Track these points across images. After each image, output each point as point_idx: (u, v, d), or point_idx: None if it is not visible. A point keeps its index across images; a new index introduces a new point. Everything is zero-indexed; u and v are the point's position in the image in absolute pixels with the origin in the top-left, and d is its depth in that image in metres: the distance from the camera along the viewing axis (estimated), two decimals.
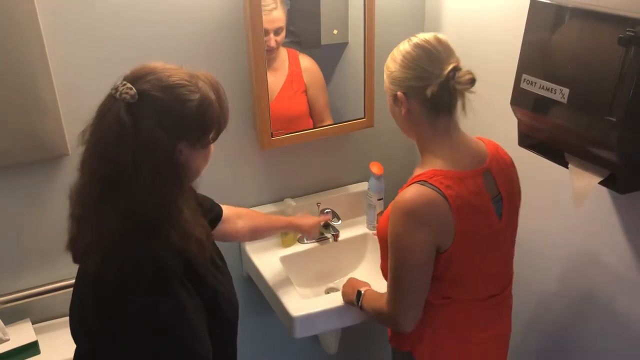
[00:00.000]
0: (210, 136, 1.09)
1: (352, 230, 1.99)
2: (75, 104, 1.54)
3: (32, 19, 1.41)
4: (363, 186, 2.04)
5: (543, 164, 1.44)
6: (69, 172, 1.59)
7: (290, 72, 1.85)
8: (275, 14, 1.74)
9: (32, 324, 1.64)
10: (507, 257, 1.39)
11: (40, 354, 1.57)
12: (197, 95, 1.02)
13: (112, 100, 0.99)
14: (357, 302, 1.48)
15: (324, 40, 1.87)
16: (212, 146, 1.13)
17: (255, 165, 1.87)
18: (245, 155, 1.84)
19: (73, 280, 1.62)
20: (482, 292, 1.34)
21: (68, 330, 1.65)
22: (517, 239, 1.40)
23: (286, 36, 1.79)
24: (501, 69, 1.63)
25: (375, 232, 1.89)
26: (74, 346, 1.50)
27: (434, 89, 1.19)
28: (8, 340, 1.45)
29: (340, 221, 1.90)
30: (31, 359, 1.55)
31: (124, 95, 0.98)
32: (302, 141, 1.85)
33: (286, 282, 1.72)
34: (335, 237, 1.87)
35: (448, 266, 1.25)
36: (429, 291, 1.28)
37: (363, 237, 1.98)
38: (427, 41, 1.22)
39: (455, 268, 1.26)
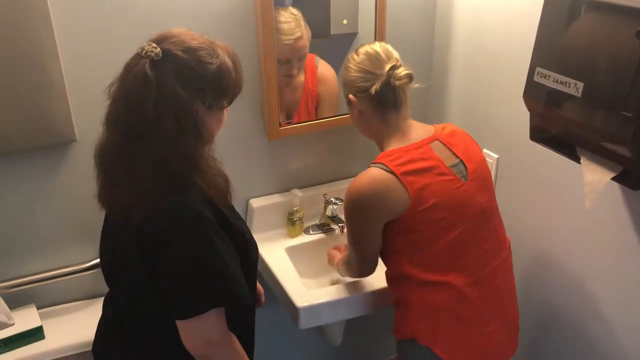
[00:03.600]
0: (225, 100, 1.18)
1: None
2: (83, 88, 1.53)
3: (42, 2, 1.40)
4: None
5: (554, 159, 1.42)
6: (77, 158, 1.60)
7: (305, 89, 1.81)
8: (301, 43, 1.71)
9: (37, 309, 1.64)
10: (488, 233, 1.42)
11: (45, 339, 1.57)
12: (215, 60, 1.12)
13: (138, 58, 1.09)
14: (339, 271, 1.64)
15: (334, 30, 1.84)
16: (226, 112, 1.21)
17: (262, 156, 1.86)
18: (252, 145, 1.83)
19: (78, 267, 1.68)
20: (464, 262, 1.37)
21: (72, 316, 1.68)
22: (522, 236, 1.38)
23: None
24: (514, 61, 1.61)
25: None
26: (78, 332, 1.51)
27: (377, 86, 1.37)
28: (13, 324, 1.45)
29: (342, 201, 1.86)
30: (35, 344, 1.55)
31: (149, 53, 1.08)
32: (311, 131, 1.84)
33: (291, 273, 1.72)
34: (342, 228, 1.86)
35: (418, 224, 1.34)
36: (414, 264, 1.38)
37: None
38: (370, 48, 1.42)
39: (425, 225, 1.34)
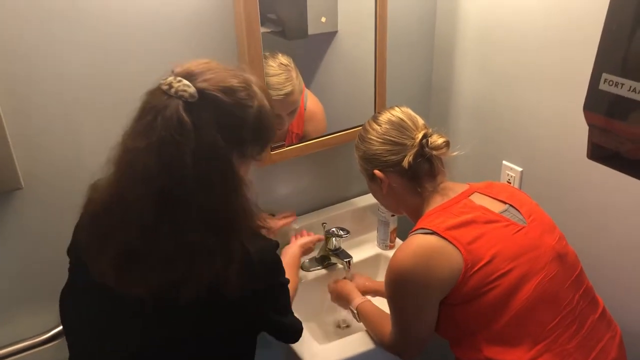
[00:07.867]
0: (264, 151, 1.02)
1: (361, 250, 1.73)
2: (25, 125, 1.21)
3: None
4: (372, 198, 1.77)
5: (615, 179, 1.23)
6: (24, 209, 1.29)
7: (288, 133, 1.56)
8: (292, 98, 1.47)
9: None
10: (562, 272, 1.17)
11: None
12: (255, 102, 0.95)
13: (164, 98, 0.88)
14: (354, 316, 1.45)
15: (311, 30, 1.58)
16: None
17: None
18: None
19: (35, 339, 1.37)
20: (554, 324, 1.12)
21: None
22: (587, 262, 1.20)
23: (267, 25, 1.47)
24: (538, 60, 1.42)
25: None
26: None
27: (410, 159, 1.21)
28: None
29: (348, 233, 1.63)
30: None
31: (181, 93, 0.87)
32: (307, 153, 1.57)
33: None
34: (348, 264, 1.60)
35: (484, 285, 1.11)
36: (495, 340, 1.12)
37: (375, 259, 1.73)
38: (392, 115, 1.27)
39: (493, 284, 1.11)
